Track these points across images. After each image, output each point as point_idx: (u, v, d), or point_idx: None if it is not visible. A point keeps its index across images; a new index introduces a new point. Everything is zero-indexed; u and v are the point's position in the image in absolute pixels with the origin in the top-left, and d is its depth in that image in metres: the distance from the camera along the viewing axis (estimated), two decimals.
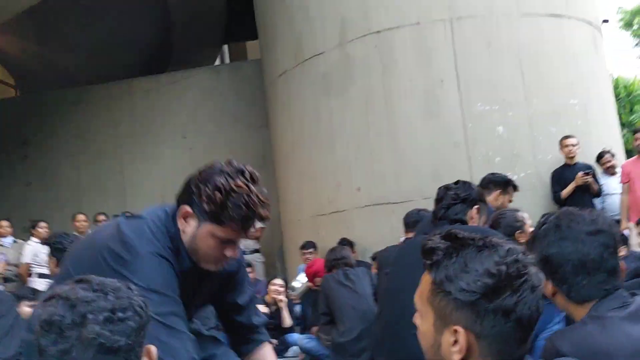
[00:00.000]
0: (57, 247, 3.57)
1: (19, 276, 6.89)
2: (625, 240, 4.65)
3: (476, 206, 2.45)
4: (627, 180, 5.79)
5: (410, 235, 3.97)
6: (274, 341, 5.72)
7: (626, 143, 9.53)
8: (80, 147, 10.24)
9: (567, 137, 5.67)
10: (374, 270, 4.96)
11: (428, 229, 2.29)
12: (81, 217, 7.52)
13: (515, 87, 5.81)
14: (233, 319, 1.99)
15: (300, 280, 5.95)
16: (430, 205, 2.78)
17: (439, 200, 2.50)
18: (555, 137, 5.77)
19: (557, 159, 5.79)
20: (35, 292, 3.87)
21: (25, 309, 3.33)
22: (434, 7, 5.95)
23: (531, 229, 2.39)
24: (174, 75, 10.60)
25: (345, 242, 5.78)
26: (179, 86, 10.27)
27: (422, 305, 1.11)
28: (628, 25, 21.08)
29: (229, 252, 1.64)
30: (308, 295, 5.93)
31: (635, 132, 6.03)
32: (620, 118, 12.72)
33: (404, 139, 5.99)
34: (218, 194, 1.55)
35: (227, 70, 10.76)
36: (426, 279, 1.10)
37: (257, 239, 8.30)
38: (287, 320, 5.79)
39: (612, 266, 1.43)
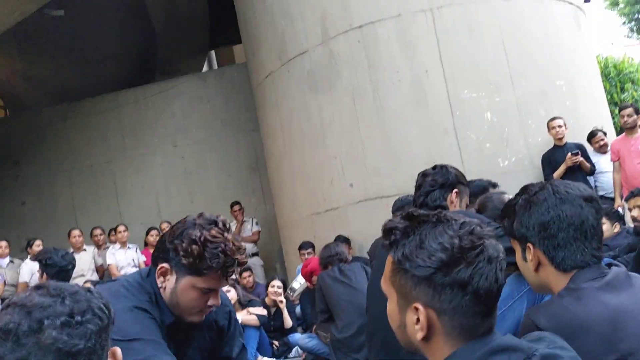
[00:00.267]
0: (47, 263, 3.54)
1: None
2: (620, 217, 4.65)
3: (455, 190, 2.43)
4: (617, 159, 5.79)
5: None
6: (276, 343, 5.71)
7: (618, 121, 9.51)
8: (72, 163, 10.22)
9: (553, 118, 5.65)
10: None
11: None
12: (76, 232, 7.49)
13: (501, 71, 5.80)
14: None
15: (299, 281, 5.92)
16: None
17: (417, 187, 2.48)
18: (544, 119, 5.75)
19: (548, 141, 5.77)
20: None
21: None
22: None
23: None
24: (160, 84, 10.58)
25: (342, 239, 5.76)
26: (166, 95, 10.25)
27: (386, 286, 1.12)
28: (614, 4, 21.12)
29: (211, 301, 1.68)
30: (306, 294, 5.91)
31: (621, 109, 6.01)
32: (613, 97, 12.72)
33: (393, 131, 5.97)
34: (195, 247, 1.60)
35: (214, 76, 10.73)
36: (389, 260, 1.10)
37: (254, 242, 8.30)
38: (288, 321, 5.78)
39: (601, 234, 1.43)
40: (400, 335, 1.10)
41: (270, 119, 7.24)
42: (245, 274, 6.75)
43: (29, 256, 7.09)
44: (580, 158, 5.58)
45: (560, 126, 5.63)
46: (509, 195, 3.15)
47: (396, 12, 5.95)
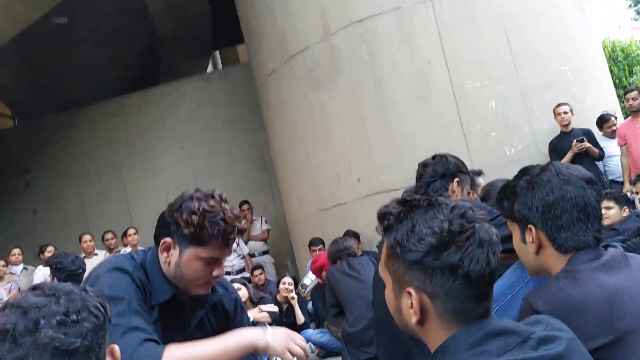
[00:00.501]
0: (57, 267, 3.58)
1: None
2: (629, 201, 4.61)
3: (456, 179, 2.40)
4: (623, 142, 5.74)
5: None
6: None
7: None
8: (80, 169, 10.30)
9: (559, 105, 5.61)
10: None
11: None
12: (87, 237, 7.55)
13: (504, 60, 5.76)
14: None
15: (310, 277, 5.93)
16: None
17: (418, 178, 2.46)
18: (550, 106, 5.72)
19: (554, 128, 5.74)
20: None
21: None
22: None
23: None
24: (165, 87, 10.63)
25: (351, 234, 5.76)
26: (172, 98, 10.30)
27: (383, 272, 1.13)
28: None
29: (216, 272, 1.70)
30: (318, 290, 5.92)
31: (625, 92, 5.95)
32: (621, 81, 12.61)
33: (398, 124, 5.96)
34: (194, 217, 1.62)
35: (218, 76, 10.77)
36: (385, 245, 1.10)
37: (264, 240, 8.32)
38: (301, 317, 5.79)
39: (601, 216, 1.43)
40: (397, 320, 1.11)
41: (274, 117, 7.25)
42: (257, 271, 6.76)
43: (41, 262, 7.15)
44: (586, 144, 5.53)
45: (566, 112, 5.58)
46: None
47: (396, 4, 5.93)
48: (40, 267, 7.05)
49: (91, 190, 10.26)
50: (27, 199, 10.39)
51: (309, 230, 6.68)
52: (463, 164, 2.51)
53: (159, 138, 10.23)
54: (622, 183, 5.81)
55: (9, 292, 6.68)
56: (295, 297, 5.82)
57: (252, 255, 8.05)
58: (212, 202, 1.65)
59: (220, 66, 15.91)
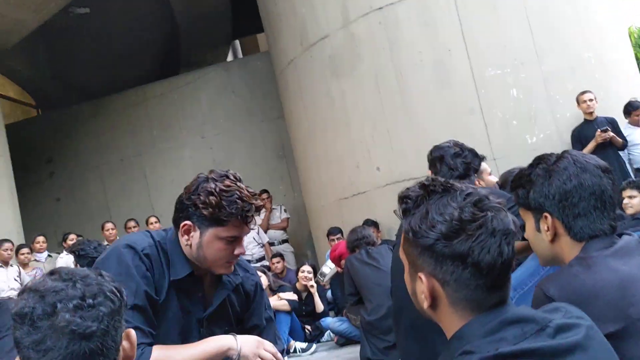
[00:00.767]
0: (80, 254, 3.63)
1: None
2: None
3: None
4: None
5: None
6: (308, 327, 5.76)
7: None
8: (103, 159, 10.42)
9: (583, 92, 5.52)
10: None
11: None
12: (109, 225, 7.65)
13: (526, 46, 5.68)
14: None
15: (329, 266, 5.95)
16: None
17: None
18: (573, 93, 5.62)
19: (577, 116, 5.65)
20: None
21: None
22: None
23: None
24: (186, 76, 10.68)
25: (370, 223, 5.76)
26: (192, 87, 10.35)
27: (402, 255, 1.13)
28: None
29: (237, 250, 1.73)
30: (336, 278, 5.94)
31: None
32: None
33: (418, 112, 5.92)
34: (212, 197, 1.65)
35: (237, 65, 10.79)
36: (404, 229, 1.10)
37: (284, 229, 8.35)
38: (320, 305, 5.81)
39: (616, 205, 1.42)
40: (415, 303, 1.11)
41: (294, 106, 7.24)
42: (275, 259, 6.80)
43: (64, 250, 7.27)
44: (610, 134, 5.44)
45: (591, 100, 5.49)
46: None
47: None
48: (63, 254, 7.18)
49: (113, 179, 10.38)
50: (50, 188, 10.55)
51: (328, 219, 6.69)
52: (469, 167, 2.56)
53: (180, 128, 10.30)
54: None
55: (34, 278, 6.80)
56: (315, 285, 5.85)
57: (271, 244, 8.09)
58: (227, 182, 1.68)
59: (240, 55, 15.93)
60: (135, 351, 1.04)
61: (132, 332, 1.03)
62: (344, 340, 5.22)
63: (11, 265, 6.67)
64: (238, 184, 1.70)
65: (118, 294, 0.99)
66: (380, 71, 6.08)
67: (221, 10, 11.61)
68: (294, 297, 5.48)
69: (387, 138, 6.08)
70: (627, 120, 5.85)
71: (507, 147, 5.50)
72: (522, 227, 1.48)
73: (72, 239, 7.31)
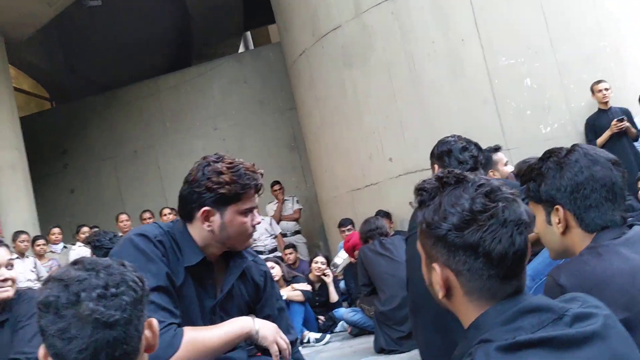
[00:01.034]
0: (96, 245, 3.67)
1: None
2: None
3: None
4: None
5: None
6: (322, 318, 5.79)
7: None
8: (116, 150, 10.49)
9: (598, 82, 5.46)
10: None
11: None
12: (123, 217, 7.70)
13: (540, 35, 5.62)
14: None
15: (342, 256, 5.97)
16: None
17: None
18: (587, 83, 5.56)
19: (592, 106, 5.60)
20: None
21: None
22: None
23: None
24: (199, 68, 10.70)
25: (382, 214, 5.76)
26: (204, 78, 10.37)
27: (419, 246, 1.14)
28: None
29: (255, 220, 1.80)
30: (349, 269, 5.95)
31: None
32: None
33: (431, 102, 5.89)
34: (223, 176, 1.70)
35: (249, 56, 10.79)
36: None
37: (296, 220, 8.37)
38: (334, 295, 5.83)
39: (625, 197, 1.43)
40: (432, 294, 1.13)
41: (306, 97, 7.24)
42: (288, 250, 6.82)
43: (77, 242, 7.36)
44: (626, 124, 5.39)
45: (607, 89, 5.43)
46: None
47: None
48: (75, 247, 7.27)
49: (127, 170, 10.45)
50: (65, 179, 10.65)
51: (341, 210, 6.69)
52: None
53: (192, 119, 10.34)
54: None
55: (50, 269, 6.88)
56: (330, 275, 5.86)
57: (284, 235, 8.11)
58: (228, 160, 1.75)
59: (251, 47, 15.93)
60: (158, 340, 1.06)
61: (154, 321, 1.05)
62: (357, 331, 5.24)
63: (27, 257, 6.75)
64: (236, 159, 1.77)
65: (140, 283, 1.00)
66: (392, 61, 6.06)
67: (233, 1, 11.61)
68: (308, 287, 5.50)
69: (399, 129, 6.06)
70: None
71: (521, 137, 5.47)
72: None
73: (84, 231, 7.38)
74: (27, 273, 6.56)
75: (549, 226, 1.46)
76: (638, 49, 6.12)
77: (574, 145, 1.47)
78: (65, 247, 7.63)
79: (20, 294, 2.26)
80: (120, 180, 10.47)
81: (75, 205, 10.44)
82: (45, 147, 10.43)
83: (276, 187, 8.37)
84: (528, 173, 1.51)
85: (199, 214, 1.73)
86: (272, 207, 8.37)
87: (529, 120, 5.58)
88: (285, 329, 1.95)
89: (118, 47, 11.91)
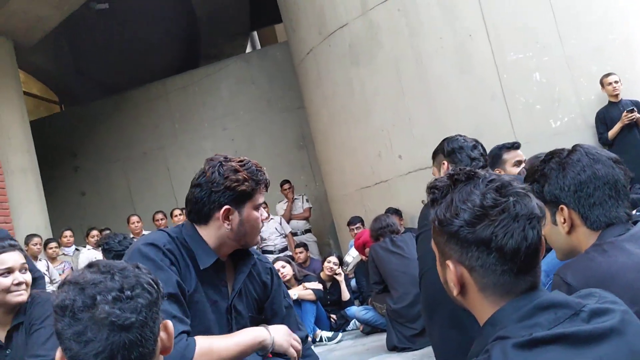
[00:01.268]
0: (105, 248, 3.69)
1: None
2: None
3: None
4: None
5: None
6: (334, 316, 5.78)
7: None
8: (126, 152, 10.54)
9: (607, 75, 5.42)
10: None
11: None
12: (134, 218, 7.73)
13: (548, 29, 5.59)
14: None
15: (352, 255, 5.96)
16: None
17: None
18: (597, 76, 5.52)
19: (602, 99, 5.55)
20: None
21: None
22: None
23: None
24: (207, 69, 10.72)
25: (392, 211, 5.75)
26: (212, 79, 10.39)
27: (432, 245, 1.15)
28: None
29: (264, 214, 1.86)
30: (361, 267, 5.95)
31: None
32: None
33: (439, 99, 5.87)
34: (240, 173, 1.73)
35: (257, 56, 10.79)
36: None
37: (306, 219, 8.37)
38: (346, 293, 5.83)
39: (629, 195, 1.46)
40: (448, 291, 1.13)
41: (314, 96, 7.24)
42: (298, 249, 6.82)
43: (86, 245, 7.41)
44: (636, 115, 5.35)
45: (617, 82, 5.40)
46: None
47: None
48: (84, 250, 7.32)
49: (137, 172, 10.50)
50: (75, 182, 10.72)
51: (351, 208, 6.69)
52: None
53: (201, 120, 10.36)
54: None
55: (62, 272, 6.93)
56: (342, 273, 5.86)
57: (294, 234, 8.12)
58: (236, 159, 1.79)
59: (258, 46, 15.94)
60: (173, 342, 1.06)
61: (170, 323, 1.05)
62: (369, 329, 5.23)
63: (40, 260, 6.80)
64: (243, 157, 1.83)
65: (155, 286, 1.01)
66: (400, 58, 6.04)
67: (239, 1, 11.62)
68: (319, 286, 5.49)
69: (408, 125, 6.05)
70: None
71: (531, 132, 5.43)
72: None
73: (93, 235, 7.43)
74: None
75: (555, 226, 1.47)
76: None
77: (575, 146, 1.49)
78: (77, 249, 7.67)
79: (34, 297, 2.28)
80: (130, 182, 10.52)
81: (86, 207, 10.51)
82: (55, 150, 10.50)
83: (286, 186, 8.38)
84: (531, 175, 1.52)
85: (220, 213, 1.74)
86: (282, 206, 8.38)
87: (538, 115, 5.55)
88: (295, 326, 1.98)
89: (126, 50, 11.96)
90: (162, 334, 1.02)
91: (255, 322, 1.89)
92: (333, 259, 5.96)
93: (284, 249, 7.80)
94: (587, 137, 5.45)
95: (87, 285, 0.96)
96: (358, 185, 6.62)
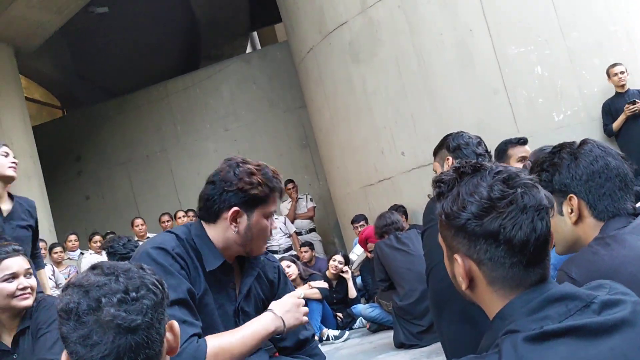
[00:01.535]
0: (109, 251, 3.68)
1: None
2: None
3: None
4: None
5: None
6: (340, 315, 5.78)
7: None
8: (129, 155, 10.55)
9: (613, 65, 5.39)
10: None
11: None
12: (139, 221, 7.73)
13: (549, 22, 5.56)
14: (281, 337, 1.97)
15: (357, 253, 5.96)
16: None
17: None
18: (600, 68, 5.50)
19: (605, 91, 5.53)
20: None
21: None
22: None
23: None
24: (207, 70, 10.72)
25: (396, 208, 5.73)
26: (213, 80, 10.39)
27: (440, 240, 1.13)
28: None
29: (273, 225, 1.81)
30: (366, 265, 5.93)
31: None
32: None
33: (441, 95, 5.85)
34: (255, 177, 1.70)
35: (257, 57, 10.78)
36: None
37: (311, 218, 8.37)
38: (353, 292, 5.82)
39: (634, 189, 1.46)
40: (456, 286, 1.12)
41: (315, 95, 7.22)
42: (303, 249, 6.82)
43: (89, 250, 7.42)
44: (639, 106, 5.33)
45: (622, 72, 5.37)
46: None
47: None
48: (87, 254, 7.33)
49: (140, 175, 10.50)
50: (79, 186, 10.73)
51: (355, 207, 6.68)
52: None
53: (203, 121, 10.36)
54: None
55: (68, 276, 6.93)
56: (349, 271, 5.86)
57: (299, 234, 8.12)
58: (253, 162, 1.75)
59: (258, 47, 15.93)
60: (179, 342, 1.05)
61: (175, 323, 1.04)
62: (376, 327, 5.22)
63: (45, 264, 6.79)
64: (260, 162, 1.79)
65: (160, 287, 1.00)
66: (401, 55, 6.02)
67: (238, 2, 11.61)
68: (325, 285, 5.49)
69: (410, 122, 6.03)
70: None
71: (534, 126, 5.41)
72: None
73: (96, 240, 7.44)
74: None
75: (560, 217, 1.46)
76: None
77: (585, 139, 1.50)
78: (82, 253, 7.68)
79: (39, 301, 2.28)
80: (134, 185, 10.53)
81: (91, 211, 10.52)
82: (58, 154, 10.52)
83: (290, 185, 8.37)
84: (540, 164, 1.51)
85: (228, 214, 1.72)
86: (286, 206, 8.37)
87: (541, 109, 5.52)
88: (301, 325, 1.96)
89: (126, 53, 11.97)
90: (168, 335, 1.02)
91: None
92: (339, 257, 5.95)
93: (289, 249, 7.80)
94: (590, 130, 5.43)
95: (91, 288, 0.95)
96: (361, 183, 6.61)
